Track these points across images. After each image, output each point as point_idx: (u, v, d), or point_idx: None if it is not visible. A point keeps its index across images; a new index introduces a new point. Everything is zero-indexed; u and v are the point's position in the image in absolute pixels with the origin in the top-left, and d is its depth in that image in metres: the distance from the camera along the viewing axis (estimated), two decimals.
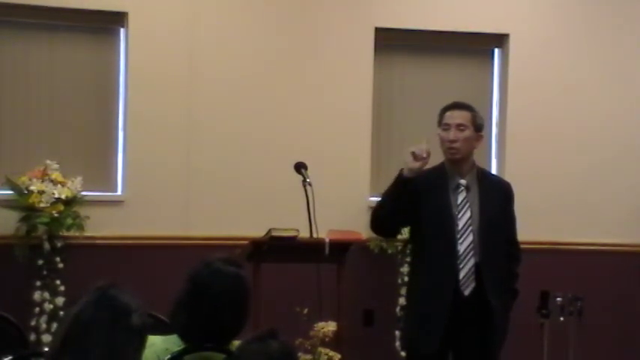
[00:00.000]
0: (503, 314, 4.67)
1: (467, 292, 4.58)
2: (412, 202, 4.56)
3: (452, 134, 4.60)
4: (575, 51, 7.50)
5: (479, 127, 4.63)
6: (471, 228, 4.58)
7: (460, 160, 4.63)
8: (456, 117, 4.62)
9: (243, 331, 3.11)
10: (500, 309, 4.62)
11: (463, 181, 4.62)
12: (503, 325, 4.67)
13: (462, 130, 4.59)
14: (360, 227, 6.72)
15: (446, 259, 4.58)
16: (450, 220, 4.58)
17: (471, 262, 4.58)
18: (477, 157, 7.45)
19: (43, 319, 6.31)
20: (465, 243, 4.58)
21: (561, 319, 6.30)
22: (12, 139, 6.77)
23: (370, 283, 6.99)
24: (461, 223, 4.59)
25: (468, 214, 4.59)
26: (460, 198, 4.61)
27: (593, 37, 7.53)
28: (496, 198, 4.67)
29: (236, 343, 2.97)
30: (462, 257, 4.58)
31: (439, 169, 4.70)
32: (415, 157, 4.47)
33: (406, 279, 6.97)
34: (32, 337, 6.16)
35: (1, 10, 6.65)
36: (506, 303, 4.69)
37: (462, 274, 4.58)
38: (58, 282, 6.36)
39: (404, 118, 7.45)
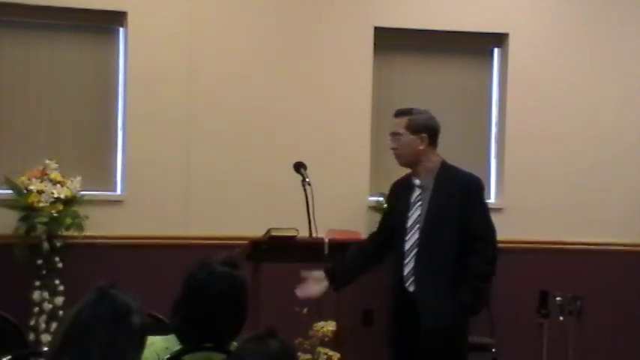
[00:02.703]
0: (441, 309, 4.62)
1: (411, 289, 4.68)
2: (392, 212, 4.88)
3: (390, 143, 4.81)
4: (575, 50, 7.50)
5: (416, 129, 4.73)
6: (418, 226, 4.69)
7: (411, 164, 4.77)
8: (391, 126, 4.82)
9: (243, 330, 3.11)
10: (434, 303, 4.61)
11: (417, 182, 4.75)
12: (439, 321, 4.62)
13: (398, 138, 4.75)
14: (359, 227, 6.73)
15: (397, 257, 4.75)
16: (402, 220, 4.73)
17: (415, 259, 4.68)
18: (477, 156, 7.54)
19: (42, 318, 6.30)
20: (410, 241, 4.70)
21: (561, 318, 6.29)
22: (11, 139, 6.77)
23: (370, 283, 6.97)
24: (409, 222, 4.71)
25: (418, 212, 4.70)
26: (413, 198, 4.74)
27: (593, 37, 7.53)
28: (450, 195, 4.71)
29: (235, 343, 2.97)
30: (406, 255, 4.69)
31: (408, 174, 4.87)
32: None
33: None
34: (31, 336, 6.16)
35: (1, 10, 6.64)
36: (464, 298, 4.63)
37: (405, 271, 4.70)
38: (57, 281, 6.36)
39: None
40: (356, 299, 6.72)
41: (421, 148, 4.71)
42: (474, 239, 4.65)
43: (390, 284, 4.85)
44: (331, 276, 4.84)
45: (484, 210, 4.79)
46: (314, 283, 4.83)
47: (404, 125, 4.73)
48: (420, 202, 4.71)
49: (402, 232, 4.71)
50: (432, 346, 4.63)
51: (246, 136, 6.96)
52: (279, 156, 6.66)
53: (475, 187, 4.78)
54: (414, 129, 4.71)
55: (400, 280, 4.71)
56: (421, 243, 4.66)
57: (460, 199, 4.68)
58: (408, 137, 4.71)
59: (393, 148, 4.76)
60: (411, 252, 4.68)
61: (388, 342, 4.96)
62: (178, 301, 3.14)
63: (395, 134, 4.75)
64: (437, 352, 4.63)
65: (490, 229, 4.76)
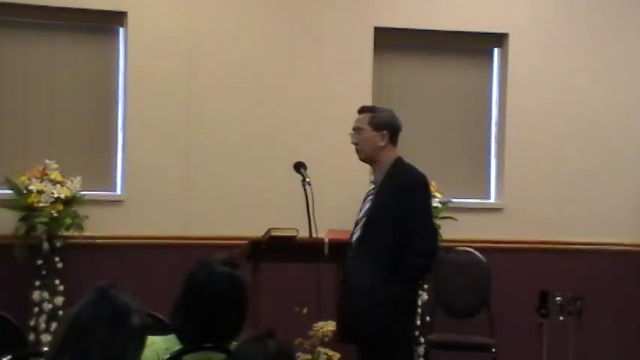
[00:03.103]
0: (372, 301, 4.69)
1: (349, 282, 4.84)
2: None
3: (351, 138, 4.92)
4: (575, 50, 7.50)
5: (377, 125, 4.86)
6: (364, 221, 4.83)
7: (370, 160, 4.93)
8: (355, 121, 4.93)
9: (243, 330, 3.11)
10: (367, 295, 4.69)
11: (372, 178, 4.94)
12: (370, 313, 4.69)
13: (360, 133, 4.88)
14: None
15: (347, 251, 4.91)
16: (358, 215, 4.92)
17: (356, 253, 4.82)
18: (477, 156, 7.55)
19: (42, 318, 6.30)
20: (354, 235, 4.87)
21: (561, 318, 6.29)
22: (11, 139, 6.77)
23: None
24: (359, 217, 4.88)
25: (367, 207, 4.85)
26: (367, 193, 4.92)
27: (593, 37, 7.53)
28: (393, 192, 4.80)
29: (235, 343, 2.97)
30: (352, 248, 4.86)
31: None
32: None
33: None
34: (31, 336, 6.16)
35: (0, 10, 6.64)
36: (395, 290, 4.67)
37: (349, 264, 4.87)
38: (57, 282, 6.36)
39: (403, 118, 7.37)
40: None
41: (381, 144, 4.85)
42: (410, 234, 4.69)
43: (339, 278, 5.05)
44: None
45: (423, 207, 4.84)
46: None
47: (367, 121, 4.86)
48: (370, 198, 4.87)
49: (355, 226, 4.89)
50: (365, 337, 4.74)
51: (246, 136, 6.95)
52: (279, 156, 6.65)
53: (415, 185, 4.84)
54: (376, 126, 4.85)
55: (344, 272, 4.91)
56: (362, 237, 4.79)
57: (401, 196, 4.76)
58: (370, 133, 4.85)
59: (354, 143, 4.89)
60: (355, 246, 4.83)
61: (339, 338, 5.10)
62: (178, 301, 3.14)
63: (357, 129, 4.88)
64: (373, 344, 4.73)
65: (427, 225, 4.80)
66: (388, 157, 4.88)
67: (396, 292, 4.67)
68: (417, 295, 5.07)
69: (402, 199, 4.75)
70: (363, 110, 4.96)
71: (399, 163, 4.89)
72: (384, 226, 4.73)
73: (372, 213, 4.81)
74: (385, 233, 4.72)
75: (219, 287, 3.10)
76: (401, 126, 4.97)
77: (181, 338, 3.11)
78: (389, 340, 4.73)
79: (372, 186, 4.92)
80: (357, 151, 4.91)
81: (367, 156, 4.92)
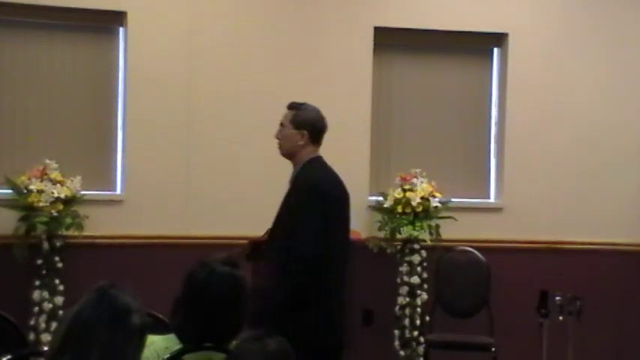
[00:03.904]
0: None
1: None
2: None
3: (276, 132, 4.86)
4: (575, 50, 7.50)
5: (298, 124, 4.77)
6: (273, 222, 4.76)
7: (289, 157, 4.83)
8: (282, 117, 4.86)
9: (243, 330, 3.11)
10: (258, 298, 4.33)
11: (289, 178, 4.81)
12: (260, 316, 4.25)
13: (282, 129, 4.82)
14: (359, 227, 6.73)
15: None
16: None
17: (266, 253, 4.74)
18: (477, 156, 7.54)
19: (42, 318, 6.30)
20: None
21: (560, 318, 6.29)
22: (11, 139, 6.77)
23: (369, 283, 6.99)
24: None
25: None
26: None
27: (593, 36, 7.53)
28: (291, 194, 4.73)
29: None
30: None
31: None
32: None
33: (405, 278, 6.99)
34: (31, 336, 6.16)
35: (0, 10, 6.64)
36: (273, 293, 4.48)
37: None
38: (57, 281, 6.36)
39: (403, 118, 7.46)
40: (356, 299, 6.72)
41: (300, 143, 4.75)
42: (292, 238, 4.52)
43: None
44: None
45: (309, 211, 4.57)
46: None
47: (290, 118, 4.80)
48: (282, 201, 4.79)
49: None
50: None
51: (246, 136, 6.95)
52: (279, 155, 6.64)
53: (305, 190, 4.66)
54: (297, 124, 4.77)
55: None
56: (269, 238, 4.72)
57: (295, 198, 4.67)
58: (290, 131, 4.77)
59: (276, 137, 4.85)
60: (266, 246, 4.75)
61: None
62: (178, 300, 3.14)
63: (281, 125, 4.83)
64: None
65: (307, 230, 4.51)
66: (305, 156, 4.76)
67: (272, 294, 4.50)
68: (291, 301, 4.49)
69: (295, 201, 4.66)
70: (290, 107, 4.87)
71: (310, 164, 4.75)
72: (283, 229, 4.64)
73: (278, 213, 4.74)
74: (283, 236, 4.60)
75: (219, 287, 3.11)
76: (325, 127, 4.81)
77: (181, 338, 3.11)
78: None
79: (289, 185, 4.82)
80: (279, 146, 4.86)
81: (286, 153, 4.84)
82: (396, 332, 6.95)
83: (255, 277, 4.58)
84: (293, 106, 4.86)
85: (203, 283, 3.11)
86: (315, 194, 4.61)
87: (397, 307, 6.97)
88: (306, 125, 4.78)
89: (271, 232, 4.73)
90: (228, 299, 3.11)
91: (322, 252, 4.47)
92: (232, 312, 3.12)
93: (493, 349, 6.73)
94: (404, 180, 7.04)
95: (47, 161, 6.46)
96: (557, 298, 6.31)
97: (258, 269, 4.78)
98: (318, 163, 4.78)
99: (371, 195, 7.18)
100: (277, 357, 2.65)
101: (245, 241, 5.54)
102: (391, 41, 7.36)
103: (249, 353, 2.66)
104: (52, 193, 6.34)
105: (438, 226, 6.99)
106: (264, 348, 2.65)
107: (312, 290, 4.42)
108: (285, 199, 4.74)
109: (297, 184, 4.72)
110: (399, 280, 6.98)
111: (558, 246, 7.36)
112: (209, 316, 3.09)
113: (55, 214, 6.33)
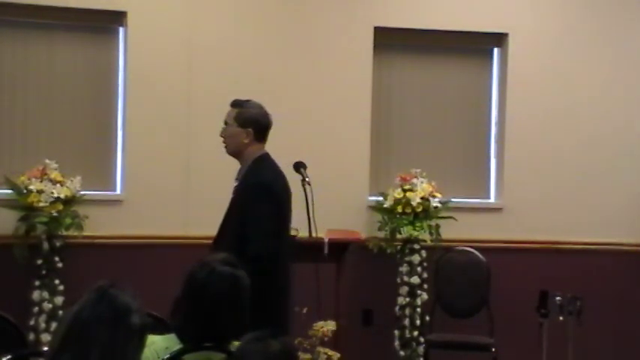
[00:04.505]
0: None
1: None
2: None
3: (220, 131, 4.80)
4: (575, 50, 7.50)
5: (243, 122, 4.74)
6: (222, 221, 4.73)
7: (235, 156, 4.79)
8: (226, 115, 4.80)
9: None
10: None
11: (235, 176, 4.78)
12: None
13: (226, 128, 4.77)
14: (359, 227, 6.74)
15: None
16: None
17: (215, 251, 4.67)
18: (477, 156, 7.54)
19: (42, 318, 6.30)
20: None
21: (560, 318, 6.28)
22: (11, 139, 6.77)
23: (369, 283, 6.99)
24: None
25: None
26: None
27: (593, 36, 7.53)
28: (238, 193, 4.70)
29: (236, 343, 2.97)
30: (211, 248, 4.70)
31: None
32: None
33: (405, 278, 6.99)
34: (31, 336, 6.16)
35: (0, 10, 6.64)
36: None
37: None
38: (57, 281, 6.36)
39: (403, 118, 7.46)
40: (356, 299, 6.73)
41: (245, 141, 4.73)
42: (245, 239, 4.51)
43: None
44: None
45: (262, 212, 4.56)
46: None
47: (233, 116, 4.75)
48: (232, 196, 4.74)
49: None
50: None
51: None
52: (279, 155, 6.60)
53: (257, 190, 4.63)
54: (241, 122, 4.74)
55: None
56: (218, 237, 4.70)
57: (243, 198, 4.64)
58: (235, 129, 4.73)
59: (221, 136, 4.78)
60: (213, 246, 4.71)
61: None
62: (179, 300, 3.14)
63: (225, 123, 4.78)
64: None
65: (261, 231, 4.51)
66: (252, 154, 4.75)
67: None
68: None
69: (242, 200, 4.63)
70: (233, 104, 4.82)
71: (257, 162, 4.74)
72: (230, 228, 4.63)
73: (227, 212, 4.70)
74: (231, 234, 4.59)
75: (219, 287, 3.11)
76: (270, 123, 4.82)
77: (181, 338, 3.11)
78: None
79: (236, 183, 4.78)
80: (224, 145, 4.80)
81: (232, 151, 4.79)
82: (396, 332, 6.95)
83: None
84: (236, 104, 4.81)
85: (203, 283, 3.11)
86: (268, 195, 4.60)
87: (397, 307, 6.97)
88: (250, 123, 4.75)
89: (219, 231, 4.68)
90: (228, 299, 3.12)
91: (276, 252, 4.48)
92: (232, 312, 3.12)
93: (493, 349, 6.73)
94: (404, 180, 7.04)
95: (47, 161, 6.46)
96: (557, 298, 6.31)
97: None
98: (266, 161, 4.77)
99: (371, 195, 7.18)
100: (280, 358, 2.65)
101: None
102: (391, 41, 7.35)
103: (251, 353, 2.66)
104: (52, 193, 6.34)
105: (438, 226, 6.99)
106: (267, 348, 2.64)
107: (266, 290, 4.28)
108: (233, 199, 4.69)
109: (246, 183, 4.67)
110: (399, 280, 6.98)
111: (558, 246, 7.36)
112: (209, 316, 3.09)
113: (54, 214, 6.33)
